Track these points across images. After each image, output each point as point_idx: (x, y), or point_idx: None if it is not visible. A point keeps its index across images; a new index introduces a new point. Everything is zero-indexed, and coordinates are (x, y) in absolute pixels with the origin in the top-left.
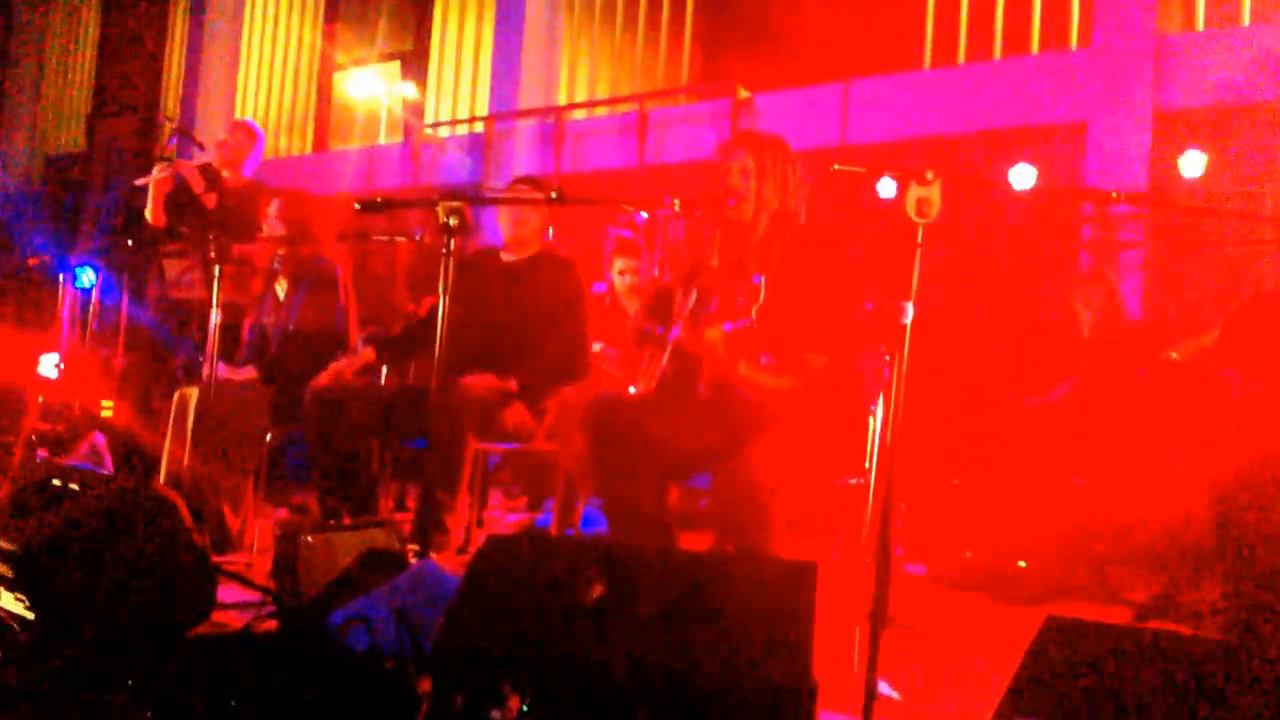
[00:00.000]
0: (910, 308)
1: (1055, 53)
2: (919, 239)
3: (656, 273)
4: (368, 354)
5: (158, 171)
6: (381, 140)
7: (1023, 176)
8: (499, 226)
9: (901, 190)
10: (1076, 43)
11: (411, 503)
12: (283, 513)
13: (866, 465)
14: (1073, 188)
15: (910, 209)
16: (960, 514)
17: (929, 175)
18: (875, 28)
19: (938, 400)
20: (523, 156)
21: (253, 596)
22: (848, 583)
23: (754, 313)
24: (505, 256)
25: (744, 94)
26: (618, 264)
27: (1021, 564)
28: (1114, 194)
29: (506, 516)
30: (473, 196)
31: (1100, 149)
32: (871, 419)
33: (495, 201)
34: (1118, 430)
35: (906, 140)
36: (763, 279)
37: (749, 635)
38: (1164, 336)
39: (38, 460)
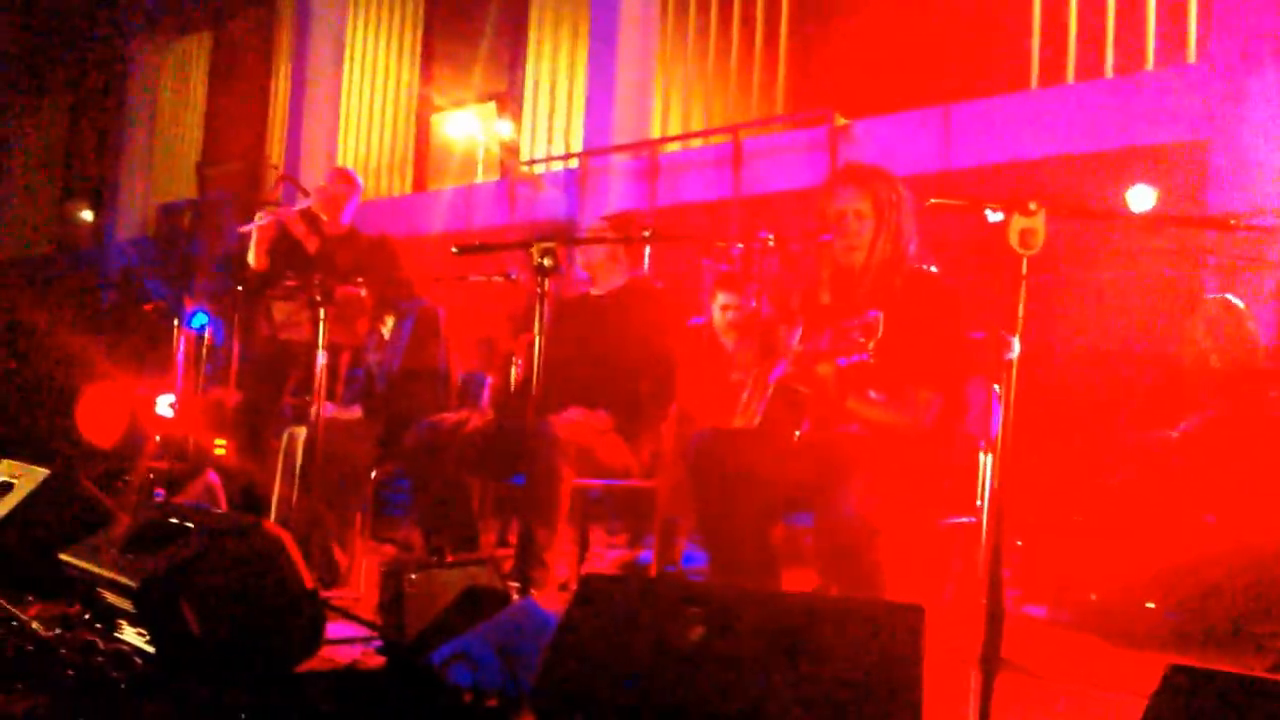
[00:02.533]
0: (1016, 342)
1: (1172, 68)
2: (1024, 271)
3: (754, 304)
4: (488, 415)
5: (260, 218)
6: (478, 179)
7: (1141, 199)
8: (579, 259)
9: (1004, 221)
10: (1195, 56)
11: (512, 539)
12: (387, 549)
13: (978, 503)
14: (1185, 214)
15: (1014, 241)
16: (1082, 553)
17: (1033, 206)
18: (978, 48)
19: (1056, 435)
20: (617, 191)
21: (359, 632)
22: (960, 625)
23: (871, 347)
24: (595, 291)
25: (841, 121)
26: (720, 299)
27: (1149, 606)
28: (1232, 220)
29: (607, 553)
30: (565, 237)
31: (1223, 168)
32: (982, 455)
33: (588, 242)
34: (1252, 465)
35: (1013, 164)
36: (880, 314)
37: (855, 680)
38: None
39: (155, 498)
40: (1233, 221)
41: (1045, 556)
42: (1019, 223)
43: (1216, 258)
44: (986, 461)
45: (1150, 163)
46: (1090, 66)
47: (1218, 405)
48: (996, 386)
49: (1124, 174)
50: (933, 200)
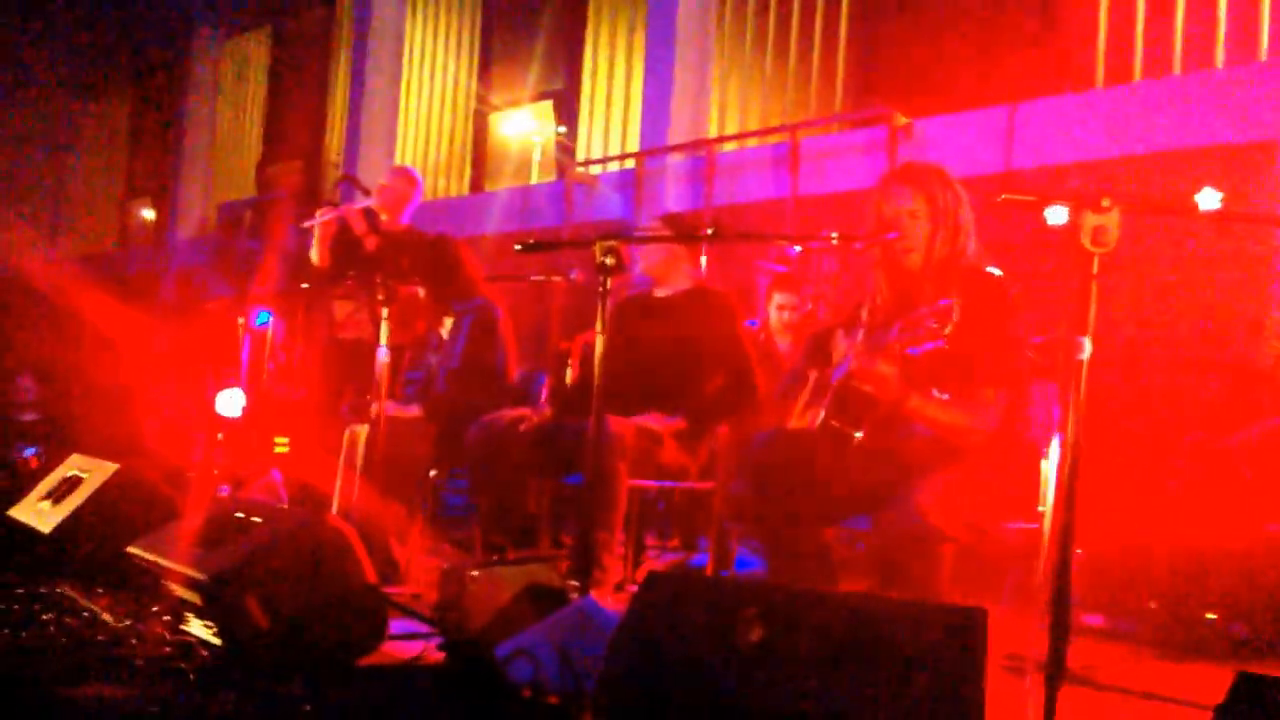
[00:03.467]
0: (1088, 343)
1: (1243, 66)
2: (1094, 270)
3: (810, 307)
4: (546, 414)
5: (321, 215)
6: (534, 180)
7: (1208, 201)
8: (640, 264)
9: (1075, 219)
10: (1267, 54)
11: (566, 538)
12: (444, 546)
13: (1040, 509)
14: (1255, 212)
15: (1085, 238)
16: (1142, 561)
17: (1105, 203)
18: (1042, 47)
19: (1118, 439)
20: (673, 192)
21: (418, 628)
22: (1017, 633)
23: (948, 332)
24: (658, 293)
25: (902, 120)
26: (776, 299)
27: (1211, 617)
28: None
29: (661, 555)
30: (628, 235)
31: None
32: (1044, 460)
33: (651, 240)
34: None
35: (1077, 164)
36: (954, 300)
37: (916, 684)
38: None
39: (220, 495)
40: None
41: (1104, 564)
42: (1091, 220)
43: None
44: (1048, 467)
45: (1219, 163)
46: (1158, 64)
47: None
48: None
49: (1193, 175)
50: (1003, 197)
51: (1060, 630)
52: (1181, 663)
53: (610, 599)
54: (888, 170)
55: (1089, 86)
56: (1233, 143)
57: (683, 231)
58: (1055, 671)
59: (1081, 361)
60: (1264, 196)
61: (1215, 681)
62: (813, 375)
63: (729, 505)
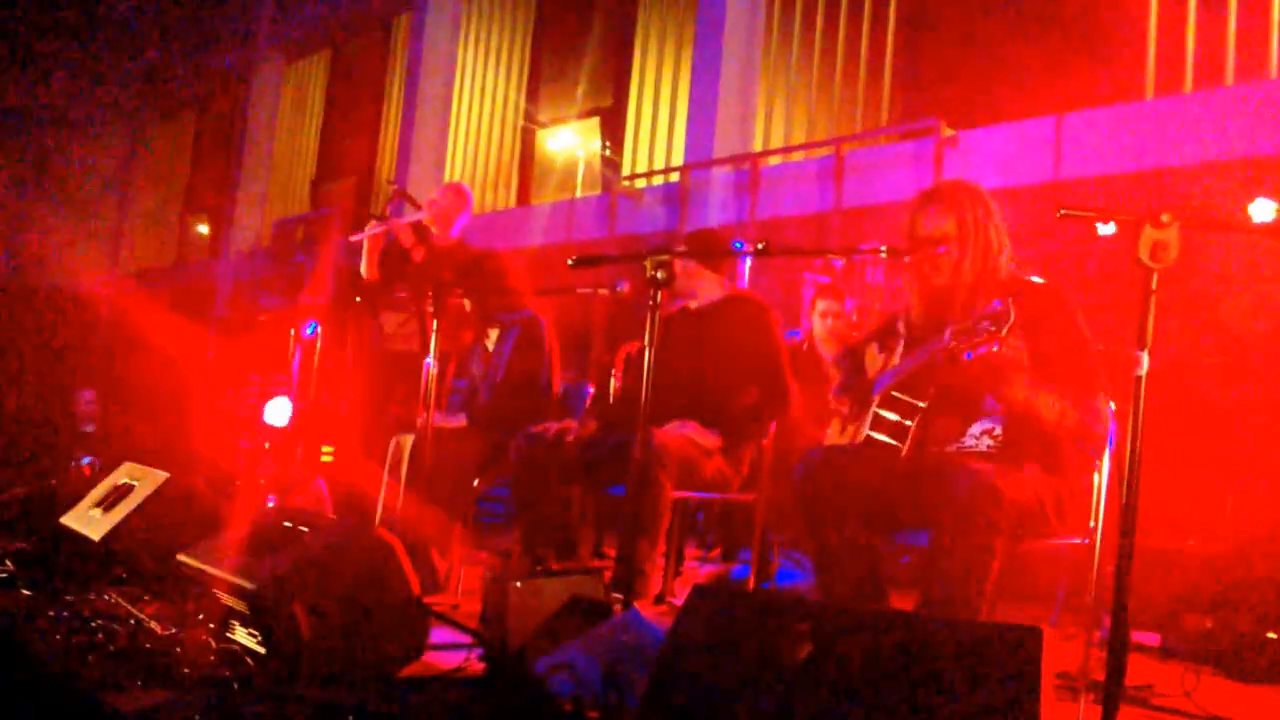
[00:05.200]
0: (1145, 358)
1: None
2: (1153, 285)
3: (855, 319)
4: (590, 426)
5: (372, 228)
6: (579, 194)
7: (1263, 212)
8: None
9: (1133, 234)
10: None
11: (607, 550)
12: (485, 557)
13: (1091, 524)
14: None
15: (1144, 254)
16: (1197, 579)
17: (1165, 218)
18: (1091, 57)
19: (1171, 454)
20: (717, 205)
21: (460, 638)
22: (1068, 652)
23: (1004, 334)
24: (691, 305)
25: (948, 132)
26: (820, 306)
27: (1271, 636)
28: None
29: (702, 567)
30: (680, 250)
31: None
32: (1096, 474)
33: (700, 254)
34: None
35: (1126, 174)
36: (1008, 301)
37: (971, 704)
38: None
39: (267, 504)
40: None
41: (1158, 581)
42: (1150, 235)
43: None
44: (1101, 480)
45: (1272, 173)
46: (1209, 74)
47: None
48: (1113, 404)
49: (1246, 185)
50: (1062, 212)
51: (1119, 651)
52: (1240, 683)
53: (652, 611)
54: (920, 190)
55: (1139, 97)
56: None
57: (711, 246)
58: (1114, 692)
59: (1140, 377)
60: None
61: (1275, 704)
62: (857, 387)
63: (777, 517)
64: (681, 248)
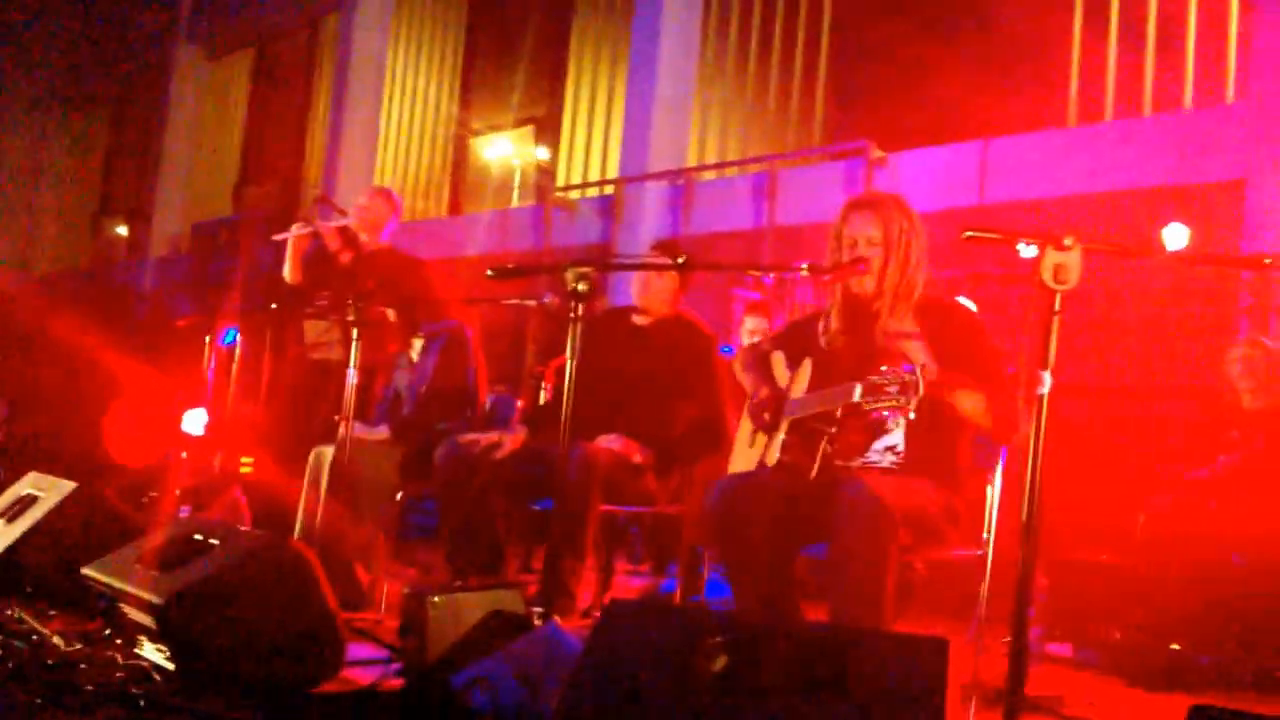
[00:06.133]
0: (1048, 377)
1: (1210, 108)
2: (1056, 306)
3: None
4: (519, 437)
5: (296, 229)
6: (514, 204)
7: (1176, 237)
8: (631, 291)
9: (1038, 256)
10: (1234, 97)
11: (537, 565)
12: (410, 571)
13: (985, 535)
14: (1217, 253)
15: (1047, 276)
16: (1108, 591)
17: (1068, 241)
18: (1016, 85)
19: (1083, 471)
20: (651, 218)
21: (378, 654)
22: (978, 662)
23: (912, 406)
24: (637, 319)
25: (878, 153)
26: (748, 324)
27: (1175, 647)
28: (1266, 260)
29: (631, 580)
30: (601, 262)
31: (1259, 208)
32: (990, 488)
33: (622, 268)
34: None
35: (1049, 199)
36: (916, 369)
37: (878, 713)
38: None
39: (181, 515)
40: (1267, 260)
41: (1070, 594)
42: (1053, 258)
43: (1251, 298)
44: (993, 494)
45: (1187, 202)
46: (1129, 105)
47: (1250, 445)
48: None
49: (1161, 212)
50: (968, 233)
51: (1020, 658)
52: (1148, 692)
53: (578, 626)
54: (851, 197)
55: (1061, 124)
56: (1200, 182)
57: (675, 258)
58: (1015, 699)
59: (1042, 395)
60: (1229, 233)
61: (1175, 713)
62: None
63: (696, 531)
64: (655, 256)
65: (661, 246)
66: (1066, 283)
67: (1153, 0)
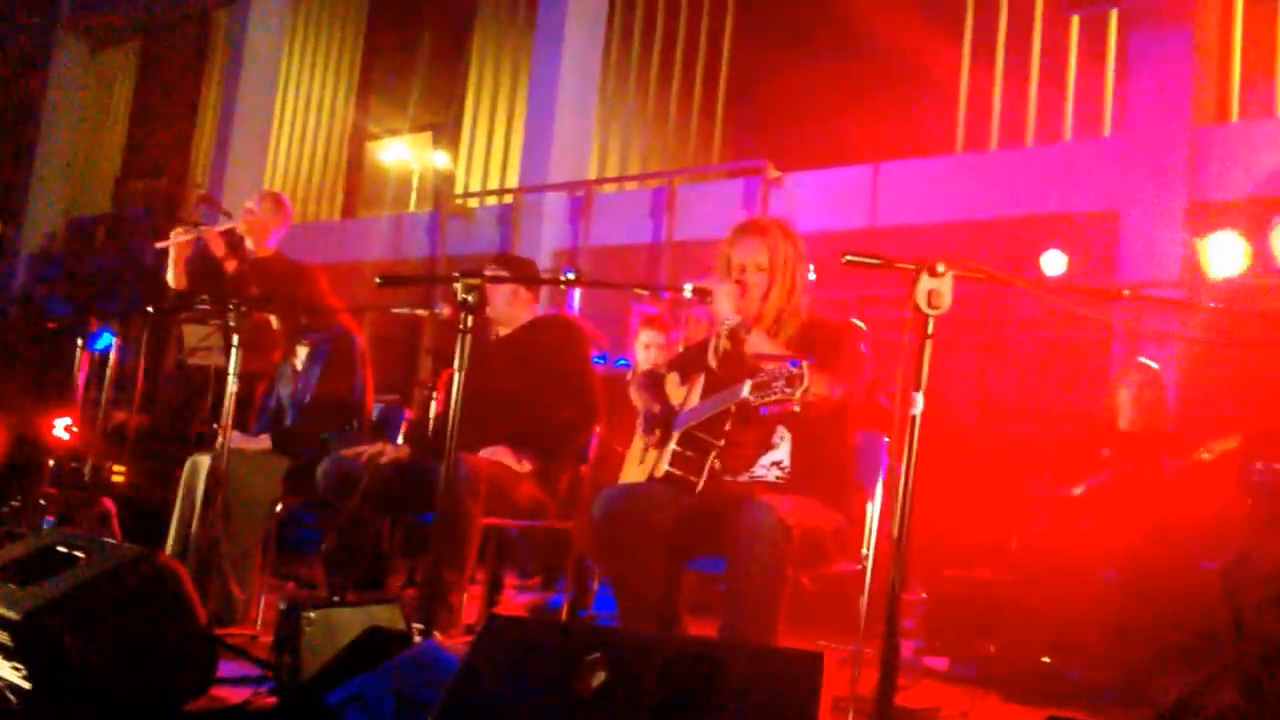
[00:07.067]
0: (920, 398)
1: (1088, 141)
2: (929, 330)
3: (681, 349)
4: (404, 450)
5: (179, 235)
6: (411, 209)
7: (1054, 264)
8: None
9: (912, 281)
10: (1110, 130)
11: (420, 579)
12: (289, 586)
13: (864, 551)
14: (1079, 283)
15: (921, 300)
16: (985, 607)
17: (940, 268)
18: (907, 111)
19: (965, 490)
20: (550, 229)
21: (253, 671)
22: (857, 674)
23: (797, 396)
24: (500, 331)
25: (774, 173)
26: (643, 337)
27: (1045, 660)
28: (1125, 291)
29: (518, 596)
30: (490, 275)
31: (1132, 239)
32: (870, 505)
33: (511, 280)
34: (1149, 525)
35: (936, 224)
36: (803, 364)
37: None
38: (1197, 432)
39: (44, 525)
40: (1125, 292)
41: (948, 609)
42: (926, 283)
43: (1123, 325)
44: (873, 510)
45: (1066, 230)
46: (1013, 134)
47: (1121, 465)
48: (886, 439)
49: (1041, 239)
50: (847, 258)
51: (890, 670)
52: (1022, 705)
53: (459, 642)
54: (738, 222)
55: (949, 151)
56: (1078, 211)
57: (523, 271)
58: (885, 711)
59: (914, 416)
60: (1105, 261)
61: None
62: (659, 423)
63: (584, 546)
64: (492, 270)
65: (499, 261)
66: (939, 307)
67: (1037, 36)
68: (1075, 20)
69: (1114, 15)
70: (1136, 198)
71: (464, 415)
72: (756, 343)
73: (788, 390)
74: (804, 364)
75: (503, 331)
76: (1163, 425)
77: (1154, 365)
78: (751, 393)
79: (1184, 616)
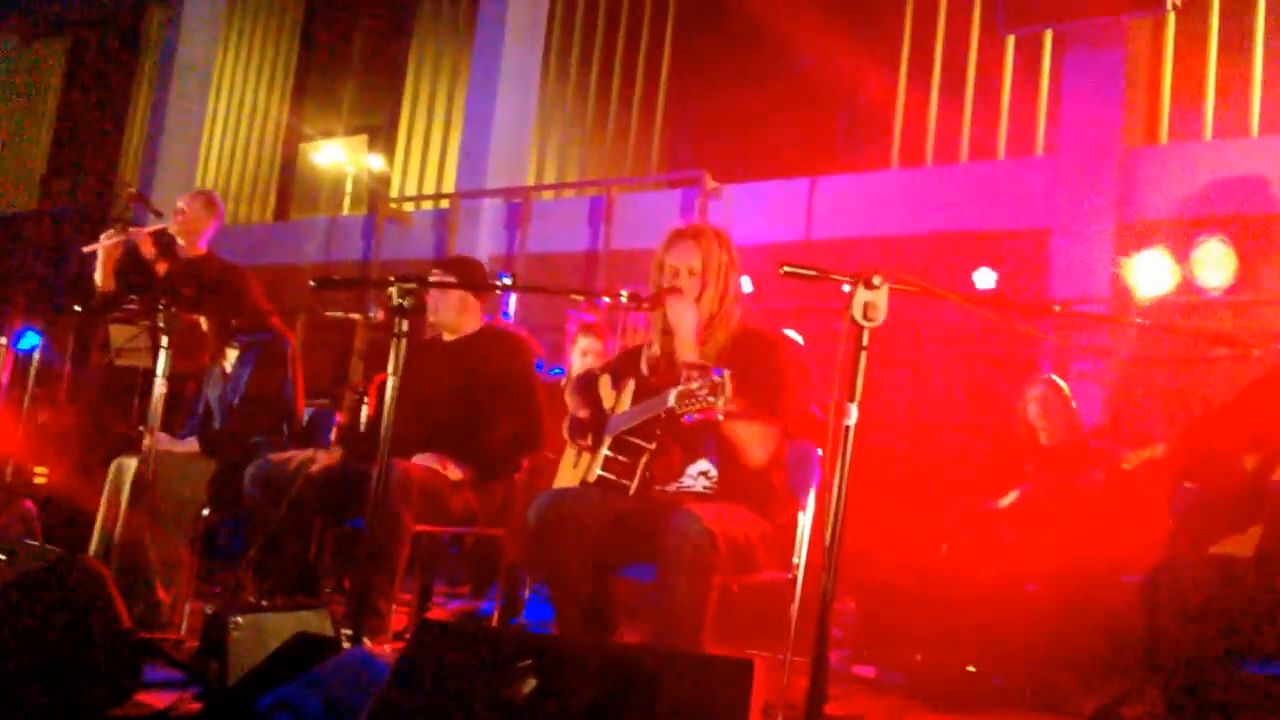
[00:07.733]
0: (854, 409)
1: (1021, 159)
2: (864, 342)
3: (617, 353)
4: (334, 455)
5: (109, 236)
6: (345, 212)
7: (985, 280)
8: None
9: (849, 294)
10: (1042, 150)
11: (349, 585)
12: (216, 591)
13: (795, 560)
14: (1010, 298)
15: (857, 313)
16: (912, 617)
17: (877, 281)
18: (844, 126)
19: (896, 501)
20: (487, 235)
21: (180, 676)
22: (787, 682)
23: (720, 405)
24: (446, 337)
25: (712, 184)
26: (580, 344)
27: (971, 669)
28: (1056, 308)
29: (448, 603)
30: (426, 280)
31: (1062, 257)
32: (801, 515)
33: (451, 285)
34: (1069, 537)
35: (871, 238)
36: (726, 373)
37: None
38: (1120, 444)
39: None
40: (1056, 308)
41: (877, 618)
42: (862, 295)
43: (1053, 340)
44: (805, 521)
45: (998, 246)
46: (947, 152)
47: (1042, 479)
48: (820, 450)
49: (974, 255)
50: (785, 269)
51: (820, 677)
52: (948, 714)
53: (388, 649)
54: (674, 228)
55: (885, 167)
56: (1010, 229)
57: (470, 276)
58: (813, 718)
59: (848, 427)
60: (1037, 278)
61: None
62: (591, 428)
63: (516, 552)
64: (437, 275)
65: (446, 264)
66: (875, 320)
67: (973, 56)
68: (1010, 41)
69: (1048, 37)
70: (1068, 216)
71: (399, 419)
72: (683, 355)
73: (710, 399)
74: (726, 373)
75: (448, 338)
76: (1078, 434)
77: (1052, 376)
78: (677, 401)
79: (1104, 628)
